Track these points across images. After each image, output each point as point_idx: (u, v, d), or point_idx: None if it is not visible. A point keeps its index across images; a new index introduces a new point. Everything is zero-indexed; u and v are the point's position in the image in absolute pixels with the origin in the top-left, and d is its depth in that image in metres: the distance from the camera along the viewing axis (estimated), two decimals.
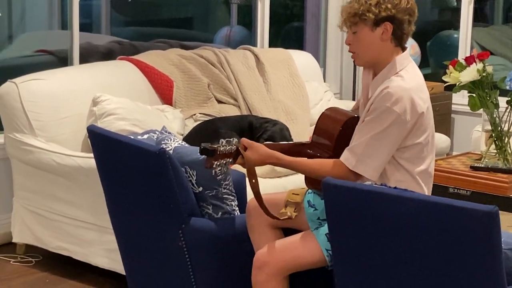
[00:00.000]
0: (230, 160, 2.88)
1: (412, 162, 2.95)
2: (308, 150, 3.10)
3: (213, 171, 2.90)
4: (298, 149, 3.13)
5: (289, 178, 4.58)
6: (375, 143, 2.87)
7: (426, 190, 3.00)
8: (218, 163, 2.84)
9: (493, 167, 4.15)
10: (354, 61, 3.04)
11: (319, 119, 3.15)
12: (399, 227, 2.47)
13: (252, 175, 2.90)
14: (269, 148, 3.00)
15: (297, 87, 5.70)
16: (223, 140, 2.86)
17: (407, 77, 2.92)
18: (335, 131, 3.06)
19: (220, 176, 3.24)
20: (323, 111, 3.19)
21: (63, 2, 5.55)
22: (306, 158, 3.06)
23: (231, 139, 2.88)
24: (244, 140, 2.95)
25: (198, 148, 2.84)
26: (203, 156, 2.84)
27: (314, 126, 3.16)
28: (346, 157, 2.91)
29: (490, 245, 2.32)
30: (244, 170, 3.16)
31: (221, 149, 2.83)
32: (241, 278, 3.13)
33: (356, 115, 3.10)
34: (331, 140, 3.06)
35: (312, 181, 3.05)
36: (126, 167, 3.25)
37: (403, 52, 2.99)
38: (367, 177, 2.89)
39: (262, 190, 3.00)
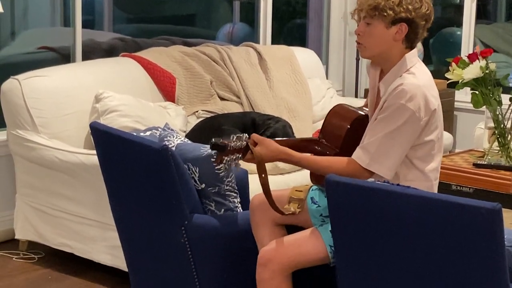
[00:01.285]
0: (240, 155, 2.88)
1: (424, 160, 2.95)
2: (316, 147, 3.10)
3: (224, 166, 2.90)
4: (305, 145, 3.13)
5: (291, 175, 4.59)
6: (389, 141, 2.86)
7: (435, 188, 3.00)
8: (228, 159, 2.84)
9: (496, 165, 4.15)
10: (360, 52, 3.03)
11: (327, 116, 3.15)
12: (401, 224, 2.46)
13: (262, 171, 2.90)
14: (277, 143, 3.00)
15: (300, 84, 5.70)
16: (234, 135, 2.85)
17: (418, 74, 2.92)
18: (343, 129, 3.05)
19: (222, 173, 3.24)
20: (332, 108, 3.19)
21: None
22: (316, 156, 3.06)
23: (242, 135, 2.87)
24: (255, 135, 2.94)
25: (201, 143, 2.84)
26: (214, 151, 2.84)
27: (323, 122, 3.15)
28: (359, 155, 2.90)
29: (493, 242, 2.32)
30: (248, 166, 3.16)
31: (232, 144, 2.83)
32: (244, 274, 3.13)
33: (365, 113, 3.09)
34: (339, 137, 3.06)
35: (318, 178, 3.05)
36: (128, 164, 3.25)
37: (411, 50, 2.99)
38: (381, 175, 2.88)
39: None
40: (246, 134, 2.90)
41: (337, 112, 3.15)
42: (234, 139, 2.84)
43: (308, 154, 3.04)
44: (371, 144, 2.88)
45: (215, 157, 2.89)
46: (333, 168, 2.89)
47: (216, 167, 3.20)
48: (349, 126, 3.05)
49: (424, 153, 2.94)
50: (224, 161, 2.84)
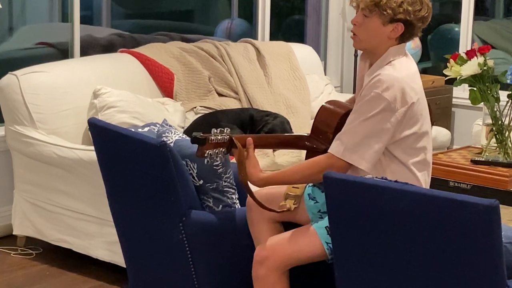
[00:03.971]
0: (224, 150, 2.88)
1: (406, 153, 2.94)
2: (306, 143, 3.10)
3: (205, 160, 2.91)
4: (296, 142, 3.13)
5: None
6: (362, 130, 2.84)
7: (422, 182, 2.99)
8: (210, 152, 2.85)
9: (494, 161, 4.15)
10: (353, 43, 3.01)
11: (318, 111, 3.15)
12: (399, 220, 2.47)
13: (242, 169, 2.90)
14: (267, 139, 3.00)
15: (298, 80, 5.70)
16: (215, 129, 2.86)
17: (399, 66, 2.92)
18: (333, 124, 3.05)
19: (220, 169, 3.24)
20: (323, 104, 3.19)
21: None
22: (289, 167, 3.05)
23: (224, 129, 2.88)
24: (250, 149, 2.93)
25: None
26: (195, 144, 2.85)
27: (314, 118, 3.15)
28: (333, 147, 2.89)
29: (491, 238, 2.32)
30: None
31: (212, 138, 2.84)
32: (241, 270, 3.14)
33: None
34: (329, 132, 3.05)
35: None
36: (126, 160, 3.25)
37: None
38: (356, 165, 2.85)
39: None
40: (228, 128, 2.91)
41: (327, 107, 3.14)
42: (215, 133, 2.85)
43: (288, 168, 3.03)
44: (344, 134, 2.87)
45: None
46: (314, 168, 2.87)
47: (214, 162, 3.19)
48: (339, 121, 3.05)
49: (405, 147, 2.93)
50: (206, 155, 2.85)
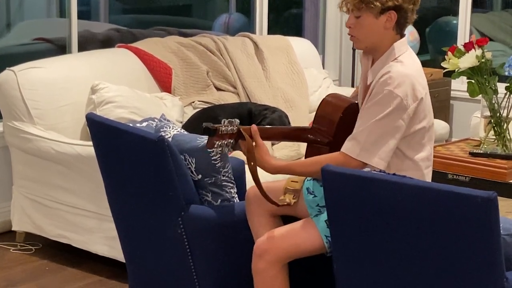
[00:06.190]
0: (232, 141, 2.89)
1: (413, 149, 2.94)
2: (309, 135, 3.10)
3: (214, 151, 2.91)
4: (298, 134, 3.12)
5: None
6: (378, 129, 2.84)
7: (427, 177, 3.00)
8: (219, 143, 2.85)
9: (492, 153, 4.15)
10: (353, 44, 3.01)
11: (320, 105, 3.14)
12: (397, 213, 2.47)
13: (252, 159, 2.90)
14: (268, 131, 3.01)
15: (296, 74, 5.70)
16: (225, 120, 2.86)
17: (406, 62, 2.92)
18: (336, 117, 3.05)
19: (219, 164, 3.24)
20: (324, 97, 3.18)
21: None
22: (304, 159, 3.04)
23: (233, 120, 2.88)
24: (258, 141, 2.93)
25: (198, 134, 2.86)
26: (205, 136, 2.86)
27: (316, 111, 3.15)
28: (347, 147, 2.87)
29: (489, 231, 2.32)
30: (243, 157, 3.16)
31: (223, 129, 2.84)
32: (241, 264, 3.14)
33: (357, 102, 3.09)
34: (331, 126, 3.05)
35: None
36: (125, 155, 3.25)
37: (401, 38, 2.99)
38: (373, 165, 2.85)
39: (263, 178, 3.00)
40: (238, 120, 2.91)
41: (329, 101, 3.14)
42: (225, 124, 2.85)
43: (296, 161, 3.03)
44: (360, 134, 2.86)
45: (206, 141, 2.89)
46: (321, 165, 2.87)
47: (212, 157, 3.20)
48: (341, 115, 3.04)
49: (412, 142, 2.93)
50: (215, 145, 2.85)
